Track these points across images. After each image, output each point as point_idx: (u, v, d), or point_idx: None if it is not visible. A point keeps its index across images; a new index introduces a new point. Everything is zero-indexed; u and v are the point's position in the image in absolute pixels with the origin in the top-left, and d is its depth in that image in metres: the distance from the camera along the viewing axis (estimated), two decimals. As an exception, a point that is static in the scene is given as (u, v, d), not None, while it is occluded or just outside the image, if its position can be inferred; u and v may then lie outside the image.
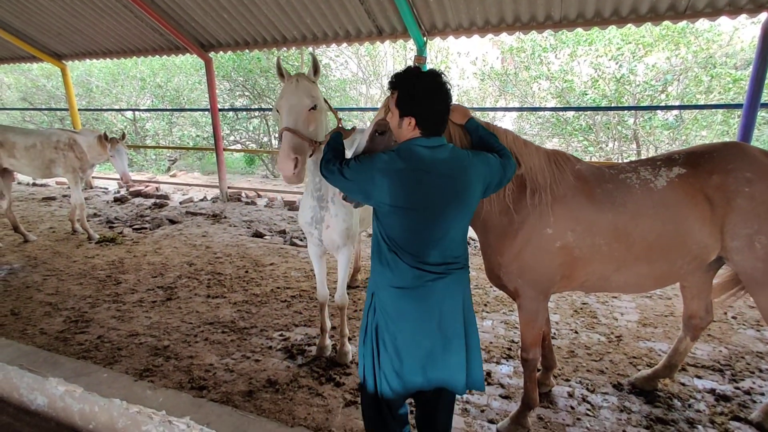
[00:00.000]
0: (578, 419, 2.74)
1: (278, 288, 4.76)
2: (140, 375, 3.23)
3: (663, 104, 8.64)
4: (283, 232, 6.85)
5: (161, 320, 4.07)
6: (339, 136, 2.06)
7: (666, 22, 5.66)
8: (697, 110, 8.46)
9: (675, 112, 8.82)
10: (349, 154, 2.12)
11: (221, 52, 7.78)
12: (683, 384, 3.06)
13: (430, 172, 1.68)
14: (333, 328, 3.76)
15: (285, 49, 7.44)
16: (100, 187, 10.11)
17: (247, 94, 11.76)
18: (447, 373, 1.82)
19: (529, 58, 9.58)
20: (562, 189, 2.20)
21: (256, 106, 11.90)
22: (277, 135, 2.58)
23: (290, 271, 5.25)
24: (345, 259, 3.17)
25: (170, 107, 13.44)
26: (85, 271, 5.23)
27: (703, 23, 8.18)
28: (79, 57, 9.22)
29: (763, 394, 2.94)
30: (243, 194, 8.90)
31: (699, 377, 3.14)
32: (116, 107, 14.48)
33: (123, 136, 6.05)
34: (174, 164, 13.96)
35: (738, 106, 6.13)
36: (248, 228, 7.11)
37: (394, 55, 10.77)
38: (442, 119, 1.75)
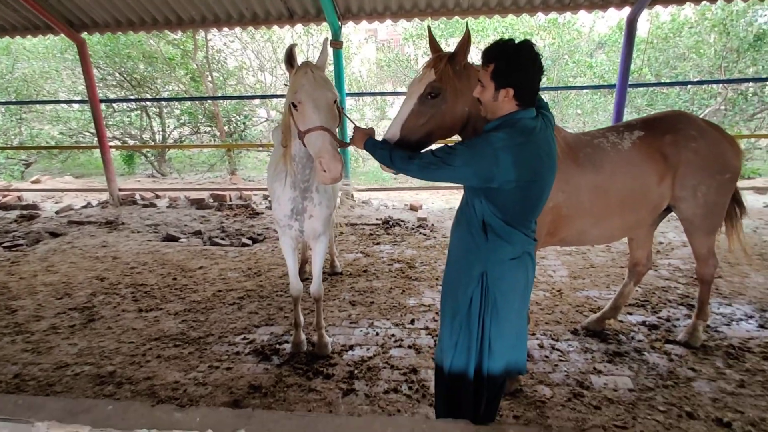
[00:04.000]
0: (555, 365, 3.07)
1: (220, 291, 4.40)
2: (93, 409, 2.76)
3: (545, 86, 9.80)
4: (198, 233, 6.29)
5: (92, 345, 3.50)
6: (375, 141, 2.02)
7: (552, 13, 6.37)
8: (573, 92, 9.79)
9: (553, 93, 10.06)
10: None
11: (96, 33, 6.75)
12: (621, 321, 3.60)
13: (538, 142, 1.74)
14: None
15: (180, 32, 6.72)
16: (-65, 202, 8.11)
17: (124, 83, 10.31)
18: (524, 348, 1.94)
19: (427, 45, 10.03)
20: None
21: (134, 96, 10.54)
22: (300, 133, 2.36)
23: (225, 272, 4.87)
24: (323, 248, 3.07)
25: (16, 100, 11.22)
26: (-41, 302, 4.22)
27: (575, 15, 9.37)
28: None
29: (678, 319, 3.60)
30: (137, 196, 7.91)
31: (630, 314, 3.72)
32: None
33: None
34: (28, 168, 11.75)
35: (611, 86, 7.18)
36: (156, 232, 6.37)
37: (297, 41, 10.36)
38: (538, 89, 1.79)
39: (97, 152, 8.80)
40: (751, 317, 3.59)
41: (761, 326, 3.45)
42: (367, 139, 2.01)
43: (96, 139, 7.28)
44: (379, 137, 2.10)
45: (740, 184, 8.64)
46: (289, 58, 2.34)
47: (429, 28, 2.46)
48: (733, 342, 3.25)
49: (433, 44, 2.13)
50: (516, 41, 1.73)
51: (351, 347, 3.37)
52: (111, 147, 7.94)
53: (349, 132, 2.17)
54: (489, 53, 1.73)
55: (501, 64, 1.70)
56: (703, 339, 3.22)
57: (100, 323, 3.84)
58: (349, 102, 11.31)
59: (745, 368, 2.96)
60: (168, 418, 1.68)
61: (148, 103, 10.64)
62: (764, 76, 9.31)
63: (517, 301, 1.86)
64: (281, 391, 2.90)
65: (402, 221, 6.44)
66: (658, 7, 6.73)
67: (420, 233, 5.97)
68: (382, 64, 11.35)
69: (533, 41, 1.77)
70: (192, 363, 3.24)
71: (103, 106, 10.81)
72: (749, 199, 7.23)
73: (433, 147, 1.91)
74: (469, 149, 1.72)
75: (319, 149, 2.19)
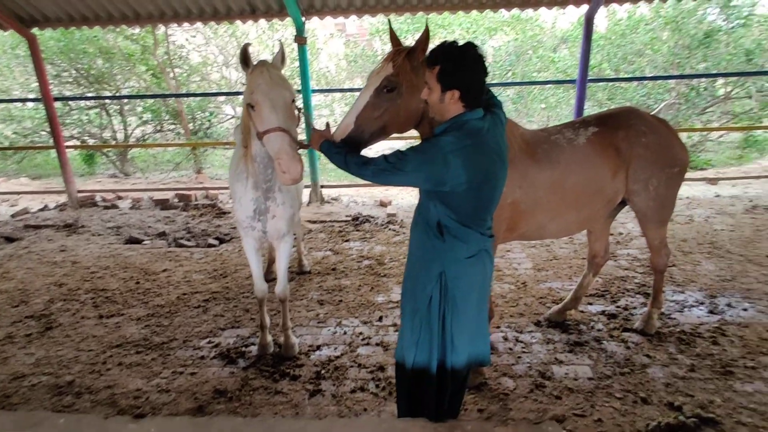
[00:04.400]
0: (519, 357, 3.15)
1: (185, 294, 4.31)
2: (49, 422, 2.67)
3: (509, 81, 10.00)
4: (163, 234, 6.13)
5: (49, 354, 3.38)
6: (331, 143, 1.99)
7: (515, 9, 6.48)
8: (537, 86, 10.02)
9: (518, 87, 10.27)
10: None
11: (48, 28, 6.46)
12: (582, 311, 3.72)
13: (487, 143, 1.76)
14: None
15: (138, 27, 6.50)
16: None
17: (81, 80, 9.87)
18: (486, 340, 1.99)
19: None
20: (512, 152, 2.48)
21: (92, 94, 10.12)
22: (257, 134, 2.35)
23: (190, 274, 4.77)
24: (287, 248, 3.05)
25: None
26: None
27: (536, 12, 9.53)
28: None
29: (636, 308, 3.75)
30: (98, 197, 7.63)
31: (591, 304, 3.84)
32: None
33: None
34: (-21, 170, 11.15)
35: (572, 81, 7.37)
36: (118, 235, 6.18)
37: (261, 37, 10.15)
38: (483, 89, 1.80)
39: (54, 152, 8.43)
40: (701, 303, 3.77)
41: (711, 312, 3.63)
42: (323, 142, 2.00)
43: (52, 139, 6.97)
44: None
45: (693, 175, 9.01)
46: (244, 57, 2.30)
47: (389, 21, 2.48)
48: (684, 328, 3.41)
49: (394, 38, 2.13)
50: (460, 43, 1.76)
51: (318, 347, 3.37)
52: (68, 147, 7.63)
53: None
54: (434, 55, 1.75)
55: (447, 66, 1.72)
56: (658, 326, 3.37)
57: (59, 331, 3.70)
58: (317, 98, 11.21)
59: (696, 353, 3.11)
60: (122, 429, 1.64)
61: (107, 100, 10.25)
62: (714, 71, 9.74)
63: (475, 297, 1.90)
64: (247, 394, 2.88)
65: (372, 217, 6.45)
66: (614, 5, 6.94)
67: (390, 229, 6.00)
68: (349, 60, 11.30)
69: (477, 43, 1.80)
70: (155, 369, 3.17)
71: (59, 104, 10.39)
72: (701, 189, 7.58)
73: (387, 151, 1.92)
74: (419, 154, 1.74)
75: (278, 150, 2.18)
